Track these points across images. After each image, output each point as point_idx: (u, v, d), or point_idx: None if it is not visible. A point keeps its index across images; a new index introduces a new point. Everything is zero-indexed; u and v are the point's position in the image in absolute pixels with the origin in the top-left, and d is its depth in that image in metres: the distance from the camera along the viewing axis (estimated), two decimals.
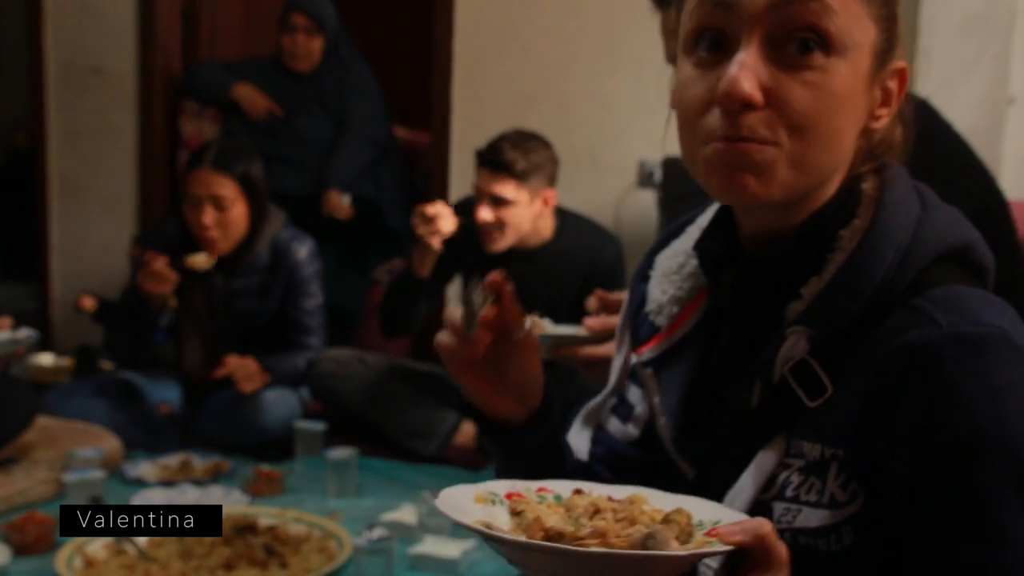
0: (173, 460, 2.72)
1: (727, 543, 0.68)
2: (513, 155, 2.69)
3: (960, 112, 2.91)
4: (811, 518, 0.81)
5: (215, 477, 2.63)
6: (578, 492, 0.81)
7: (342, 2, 4.95)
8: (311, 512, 2.32)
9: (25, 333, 2.37)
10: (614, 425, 1.11)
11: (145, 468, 2.65)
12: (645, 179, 3.40)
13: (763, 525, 0.68)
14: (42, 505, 2.35)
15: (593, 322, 1.59)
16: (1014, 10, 2.85)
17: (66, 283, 3.99)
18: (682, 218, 1.07)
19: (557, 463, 1.02)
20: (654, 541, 0.68)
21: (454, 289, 3.16)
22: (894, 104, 0.88)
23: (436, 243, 2.74)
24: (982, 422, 0.75)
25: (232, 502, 2.43)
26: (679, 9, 0.89)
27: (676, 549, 0.69)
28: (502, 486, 0.82)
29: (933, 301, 0.80)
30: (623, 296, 1.68)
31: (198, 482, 2.58)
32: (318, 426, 2.82)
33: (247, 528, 2.16)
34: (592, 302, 1.67)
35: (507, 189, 2.70)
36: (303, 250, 2.98)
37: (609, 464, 1.08)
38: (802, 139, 0.81)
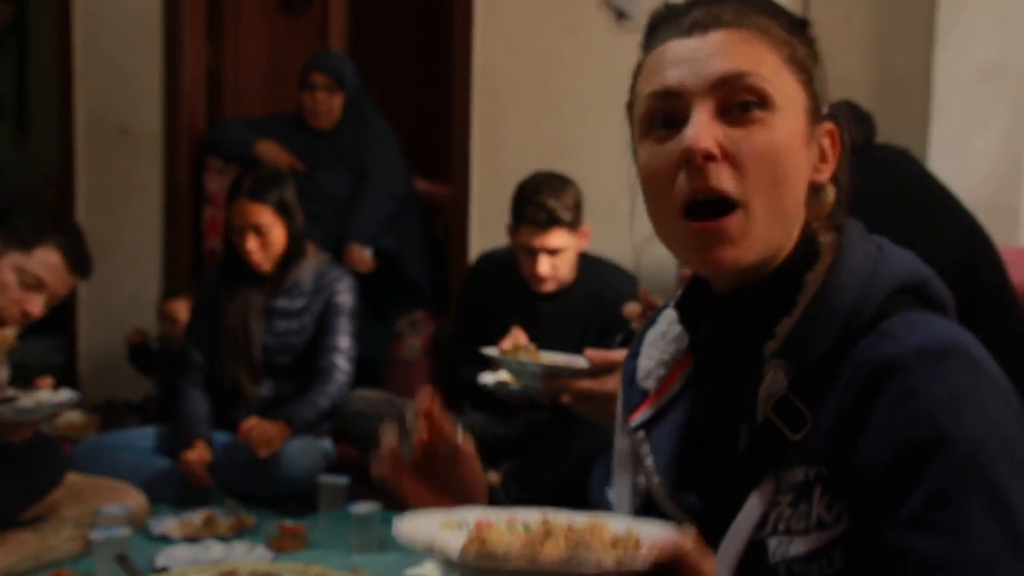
0: (197, 516, 2.74)
1: (644, 559, 0.71)
2: (556, 205, 2.71)
3: (978, 160, 2.93)
4: (801, 545, 0.86)
5: (239, 533, 2.64)
6: (546, 521, 0.84)
7: (361, 57, 5.03)
8: (335, 568, 2.33)
9: (66, 395, 2.35)
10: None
11: (170, 524, 2.67)
12: None
13: (684, 543, 0.71)
14: (70, 563, 2.37)
15: (594, 355, 1.57)
16: None
17: (93, 337, 4.04)
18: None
19: None
20: (576, 559, 0.71)
21: None
22: (831, 160, 0.97)
23: None
24: (942, 424, 0.81)
25: (256, 558, 2.44)
26: (630, 110, 1.01)
27: (595, 565, 0.71)
28: (475, 513, 0.87)
29: (895, 324, 0.87)
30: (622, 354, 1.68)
31: (222, 538, 2.59)
32: (341, 480, 2.83)
33: None
34: (632, 307, 1.65)
35: (559, 239, 2.74)
36: (345, 280, 3.12)
37: None
38: (759, 189, 0.89)
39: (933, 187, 1.82)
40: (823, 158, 0.96)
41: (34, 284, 2.34)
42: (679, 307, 1.03)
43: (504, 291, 2.93)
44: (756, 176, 0.89)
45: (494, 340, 2.92)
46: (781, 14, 0.96)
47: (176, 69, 3.83)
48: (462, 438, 1.05)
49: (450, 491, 1.03)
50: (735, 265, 0.90)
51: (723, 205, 0.89)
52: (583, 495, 2.73)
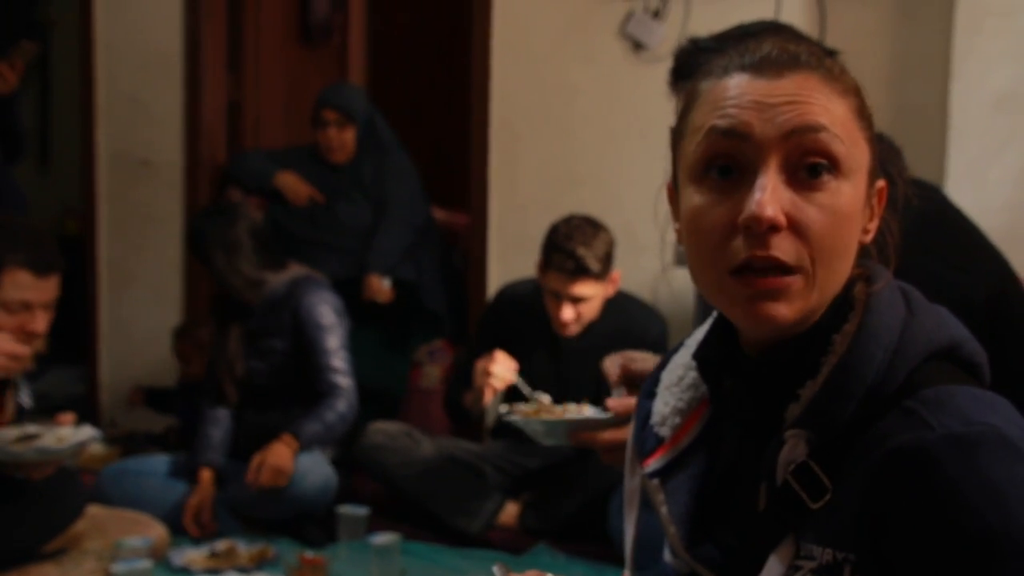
0: (218, 547, 2.74)
1: None
2: (587, 255, 2.69)
3: (995, 188, 2.93)
4: None
5: (260, 564, 2.65)
6: None
7: (380, 87, 5.09)
8: None
9: (87, 432, 2.35)
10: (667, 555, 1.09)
11: (191, 555, 2.68)
12: (681, 258, 3.43)
13: None
14: None
15: (615, 404, 1.57)
16: None
17: (114, 368, 4.07)
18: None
19: None
20: None
21: None
22: (876, 219, 0.94)
23: (490, 395, 2.68)
24: (987, 520, 0.76)
25: None
26: (678, 138, 0.94)
27: None
28: None
29: (924, 402, 0.82)
30: (650, 367, 1.68)
31: (243, 570, 2.60)
32: (361, 511, 2.83)
33: None
34: (611, 365, 1.65)
35: (587, 288, 2.74)
36: (313, 294, 3.06)
37: None
38: (820, 260, 0.86)
39: (962, 221, 1.82)
40: (872, 216, 0.93)
41: (21, 307, 2.32)
42: (698, 358, 1.01)
43: (526, 325, 2.94)
44: (819, 247, 0.85)
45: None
46: (837, 58, 0.93)
47: (197, 101, 3.87)
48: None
49: None
50: (785, 323, 0.87)
51: (780, 269, 0.86)
52: (602, 525, 2.73)
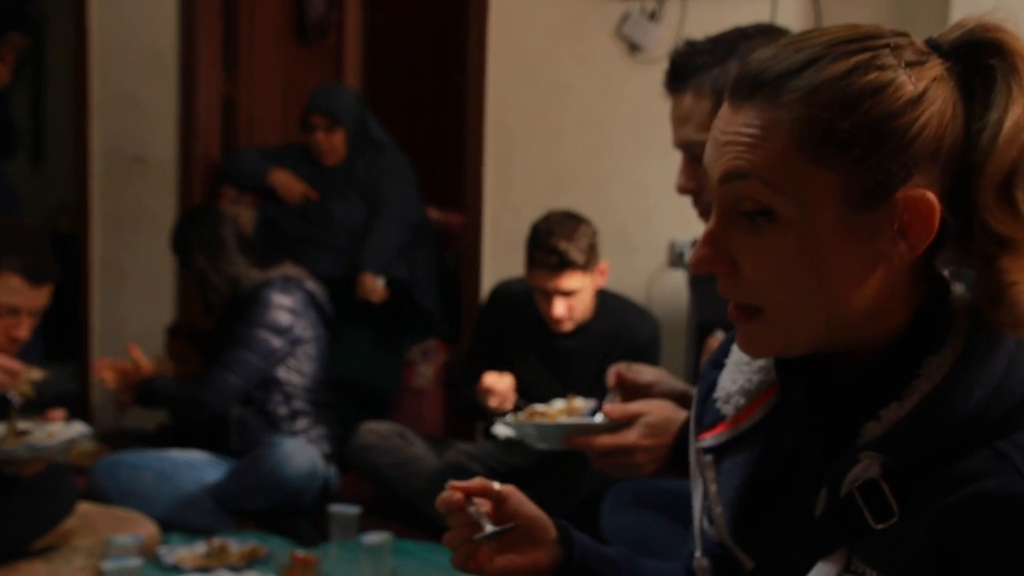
0: (210, 545, 2.73)
1: None
2: (569, 248, 2.71)
3: None
4: None
5: (251, 563, 2.64)
6: None
7: (375, 86, 5.08)
8: None
9: (78, 429, 2.35)
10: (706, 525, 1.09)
11: (181, 553, 2.67)
12: (676, 259, 3.43)
13: None
14: None
15: (612, 410, 1.58)
16: None
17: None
18: None
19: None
20: None
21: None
22: (918, 232, 0.82)
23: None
24: None
25: None
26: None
27: None
28: None
29: (1019, 447, 0.77)
30: (649, 378, 1.69)
31: (234, 568, 2.59)
32: (353, 510, 2.83)
33: None
34: (611, 377, 1.66)
35: (573, 281, 2.74)
36: (278, 289, 3.08)
37: (720, 563, 1.06)
38: (773, 301, 0.84)
39: None
40: (902, 233, 0.82)
41: (8, 311, 2.31)
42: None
43: (521, 324, 2.94)
44: (763, 291, 0.84)
45: (510, 370, 2.93)
46: (854, 53, 0.82)
47: (191, 99, 3.86)
48: (499, 488, 1.02)
49: (523, 539, 1.01)
50: (756, 355, 0.89)
51: (737, 306, 0.87)
52: (595, 526, 2.72)
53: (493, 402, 2.63)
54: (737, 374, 1.00)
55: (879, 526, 0.80)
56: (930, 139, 0.80)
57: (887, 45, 0.82)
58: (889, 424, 0.82)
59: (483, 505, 1.00)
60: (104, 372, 3.01)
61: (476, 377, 2.73)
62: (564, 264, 2.71)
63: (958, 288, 0.89)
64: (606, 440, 1.54)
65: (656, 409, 1.56)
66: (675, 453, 1.52)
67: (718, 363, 1.04)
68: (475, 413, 2.96)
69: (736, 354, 1.02)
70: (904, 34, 0.85)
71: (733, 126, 0.83)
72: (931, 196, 0.80)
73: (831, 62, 0.81)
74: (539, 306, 2.83)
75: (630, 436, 1.54)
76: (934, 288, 0.87)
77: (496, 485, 1.00)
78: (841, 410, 0.87)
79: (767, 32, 1.57)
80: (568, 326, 2.82)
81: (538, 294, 2.81)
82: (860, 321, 0.84)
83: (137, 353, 3.06)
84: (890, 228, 0.81)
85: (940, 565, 0.77)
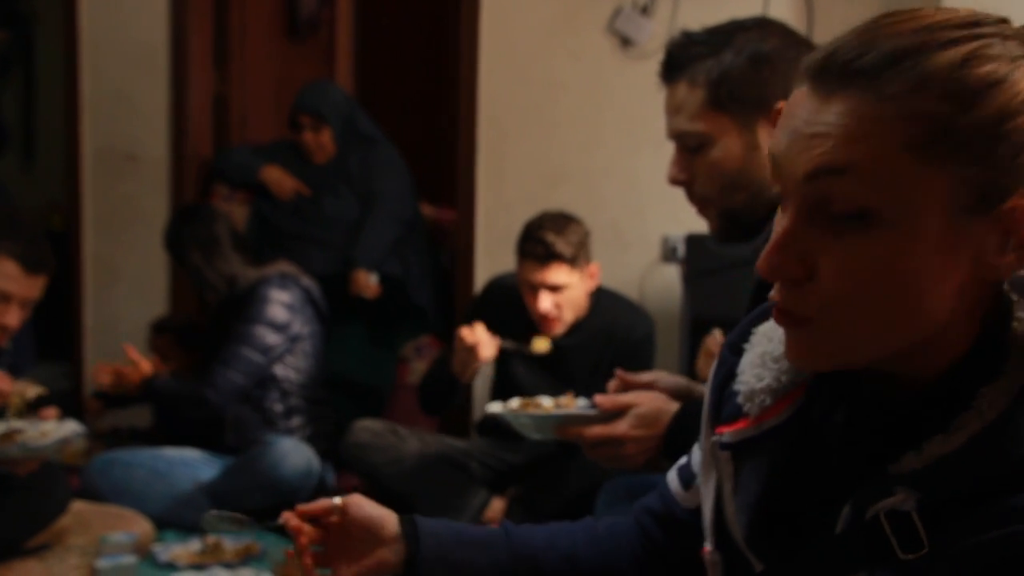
0: (204, 543, 2.73)
1: None
2: (557, 240, 2.71)
3: None
4: None
5: (245, 560, 2.64)
6: None
7: (367, 82, 5.08)
8: None
9: (71, 427, 2.35)
10: (673, 483, 1.11)
11: (176, 551, 2.67)
12: (669, 254, 3.43)
13: None
14: None
15: (603, 400, 1.58)
16: None
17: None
18: None
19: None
20: None
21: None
22: (1017, 245, 0.74)
23: (476, 369, 2.71)
24: None
25: None
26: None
27: None
28: None
29: None
30: (648, 378, 1.69)
31: (228, 565, 2.59)
32: None
33: None
34: (613, 384, 1.67)
35: (560, 275, 2.73)
36: (276, 285, 3.10)
37: (661, 521, 1.08)
38: (837, 316, 0.75)
39: None
40: (1002, 245, 0.74)
41: (0, 296, 2.31)
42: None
43: (513, 318, 2.94)
44: (830, 302, 0.75)
45: (500, 366, 2.93)
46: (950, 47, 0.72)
47: (183, 96, 3.85)
48: (339, 501, 1.09)
49: (366, 540, 1.09)
50: (805, 367, 0.81)
51: (785, 313, 0.79)
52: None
53: (486, 352, 2.63)
54: (764, 370, 0.92)
55: (907, 556, 0.75)
56: None
57: (997, 34, 0.73)
58: (931, 459, 0.75)
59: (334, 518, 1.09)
60: (102, 377, 3.00)
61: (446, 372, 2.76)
62: (551, 256, 2.71)
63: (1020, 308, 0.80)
64: (597, 430, 1.55)
65: (647, 400, 1.56)
66: (666, 444, 1.53)
67: (736, 348, 0.97)
68: (445, 391, 2.92)
69: (761, 345, 0.94)
70: (1005, 20, 0.75)
71: (824, 117, 0.73)
72: None
73: (939, 50, 0.71)
74: (527, 303, 2.82)
75: (620, 427, 1.54)
76: (998, 307, 0.79)
77: (337, 500, 1.07)
78: (881, 436, 0.81)
79: (763, 25, 1.57)
80: (557, 327, 2.81)
81: (526, 289, 2.80)
82: (929, 340, 0.77)
83: (135, 353, 3.05)
84: (995, 239, 0.74)
85: None
